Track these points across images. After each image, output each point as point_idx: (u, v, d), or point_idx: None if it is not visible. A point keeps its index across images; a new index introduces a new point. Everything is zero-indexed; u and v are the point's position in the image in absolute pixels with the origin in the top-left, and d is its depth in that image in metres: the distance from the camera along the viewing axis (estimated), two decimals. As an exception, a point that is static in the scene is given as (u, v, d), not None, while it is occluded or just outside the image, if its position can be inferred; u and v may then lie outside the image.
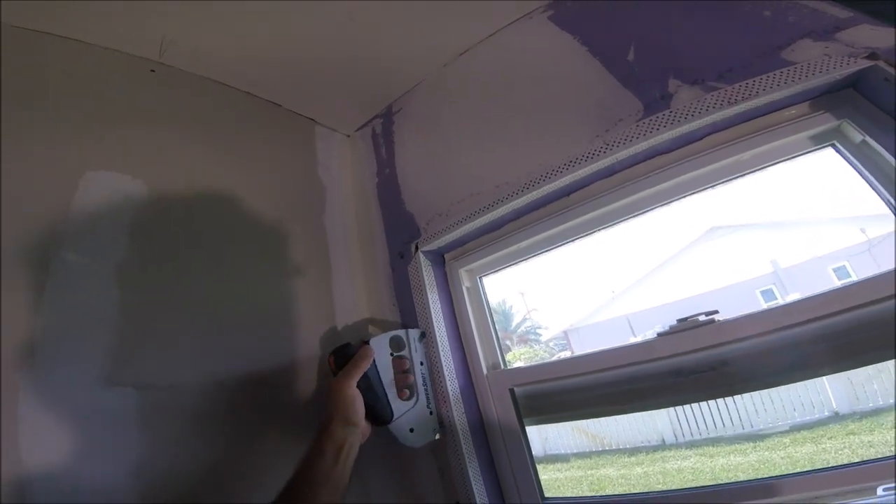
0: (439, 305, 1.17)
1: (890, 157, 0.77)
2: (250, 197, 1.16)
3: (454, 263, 1.24)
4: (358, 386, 0.91)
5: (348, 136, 1.53)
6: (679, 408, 6.07)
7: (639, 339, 0.98)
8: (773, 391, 5.57)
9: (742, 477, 4.98)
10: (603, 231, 1.09)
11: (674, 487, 5.23)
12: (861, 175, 0.84)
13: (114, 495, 0.74)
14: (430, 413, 1.04)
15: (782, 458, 5.19)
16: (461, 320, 1.19)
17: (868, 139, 0.80)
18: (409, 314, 1.18)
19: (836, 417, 5.68)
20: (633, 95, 0.98)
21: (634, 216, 1.04)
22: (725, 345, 0.87)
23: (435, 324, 1.13)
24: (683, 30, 0.97)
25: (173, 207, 1.01)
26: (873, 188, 0.82)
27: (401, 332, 1.08)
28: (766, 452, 5.50)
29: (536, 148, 1.09)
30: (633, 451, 6.95)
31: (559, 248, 1.15)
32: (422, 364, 1.08)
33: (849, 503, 0.75)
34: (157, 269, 0.94)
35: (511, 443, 1.06)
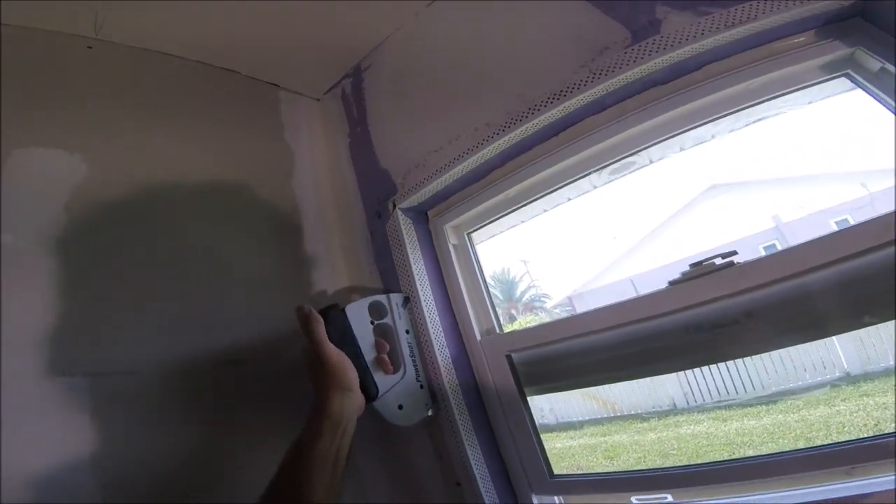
0: (423, 266, 1.08)
1: None
2: (206, 167, 1.08)
3: (438, 220, 1.15)
4: None
5: (318, 99, 1.43)
6: (688, 371, 6.05)
7: (648, 291, 0.88)
8: (784, 352, 5.52)
9: (756, 441, 4.96)
10: (595, 173, 0.99)
11: (688, 453, 5.25)
12: (883, 104, 0.75)
13: (76, 490, 0.70)
14: (421, 386, 0.95)
15: (797, 420, 5.16)
16: (449, 281, 1.10)
17: (887, 66, 0.71)
18: (392, 278, 1.10)
19: (848, 378, 5.66)
20: (618, 24, 0.88)
21: (627, 156, 0.95)
22: (748, 292, 0.76)
23: (419, 286, 1.04)
24: None
25: (119, 182, 0.94)
26: None
27: (381, 298, 0.98)
28: (780, 416, 5.48)
29: (517, 84, 0.97)
30: (645, 416, 6.97)
31: (552, 193, 1.05)
32: (407, 332, 0.99)
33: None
34: (104, 248, 0.87)
35: (512, 415, 0.98)
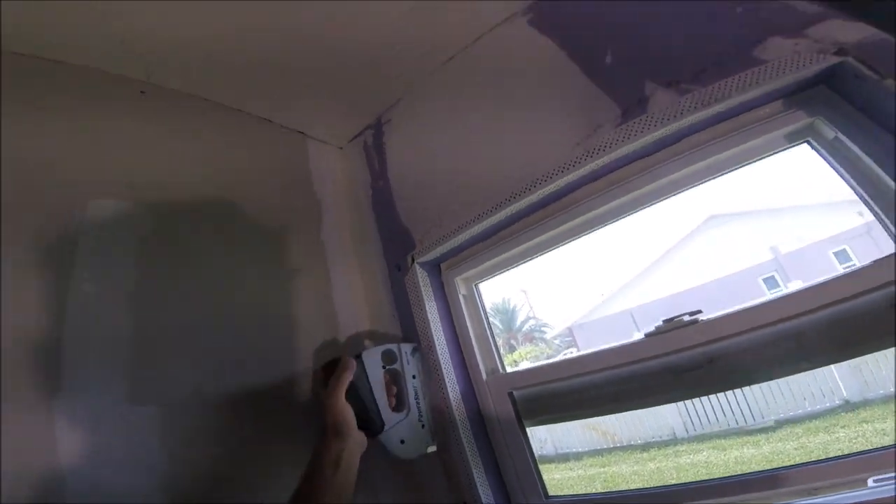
0: (437, 315, 1.21)
1: (861, 153, 0.79)
2: (250, 215, 1.19)
3: (450, 272, 1.28)
4: (348, 397, 0.94)
5: (341, 147, 1.55)
6: (687, 401, 6.05)
7: (628, 340, 1.03)
8: (782, 381, 5.55)
9: (755, 468, 4.95)
10: (592, 233, 1.12)
11: (686, 482, 5.25)
12: (835, 170, 0.85)
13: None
14: (423, 426, 1.06)
15: (796, 448, 5.16)
16: (459, 328, 1.22)
17: (840, 136, 0.81)
18: (409, 324, 1.21)
19: (848, 406, 5.64)
20: (611, 100, 1.00)
21: (621, 218, 1.07)
22: (712, 343, 0.90)
23: (433, 333, 1.16)
24: (658, 31, 0.98)
25: (174, 230, 1.05)
26: (847, 183, 0.84)
27: (393, 347, 1.10)
28: (780, 443, 5.48)
29: (522, 156, 1.11)
30: (645, 446, 6.93)
31: (553, 251, 1.18)
32: (414, 378, 1.10)
33: (841, 495, 0.75)
34: (163, 293, 0.98)
35: (513, 444, 1.09)
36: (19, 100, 0.93)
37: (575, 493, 5.77)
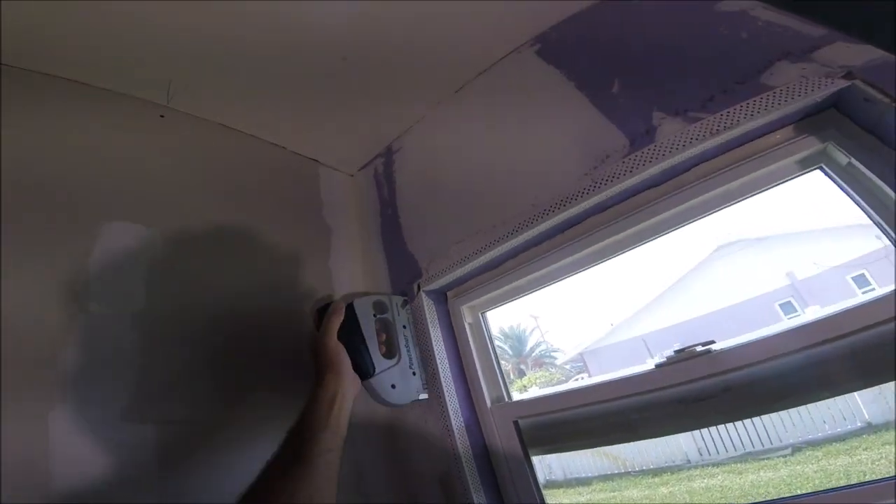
0: (442, 343, 1.20)
1: (875, 178, 0.77)
2: (260, 241, 1.20)
3: (456, 301, 1.27)
4: (341, 341, 0.94)
5: (351, 175, 1.57)
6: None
7: (638, 369, 1.01)
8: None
9: (772, 493, 4.84)
10: (602, 263, 1.11)
11: (701, 505, 5.10)
12: (849, 197, 0.83)
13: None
14: (413, 374, 1.07)
15: (815, 471, 5.02)
16: (464, 356, 1.21)
17: (853, 161, 0.80)
18: None
19: (870, 428, 5.51)
20: (618, 131, 1.00)
21: (628, 250, 1.06)
22: (725, 373, 0.87)
23: (438, 361, 1.15)
24: (664, 60, 0.98)
25: (185, 254, 1.06)
26: (862, 209, 0.81)
27: (384, 297, 1.12)
28: (798, 466, 5.33)
29: (529, 186, 1.11)
30: (657, 471, 6.79)
31: (561, 282, 1.16)
32: (405, 327, 1.12)
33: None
34: (170, 315, 0.98)
35: (517, 474, 1.07)
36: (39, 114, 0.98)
37: None
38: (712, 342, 0.91)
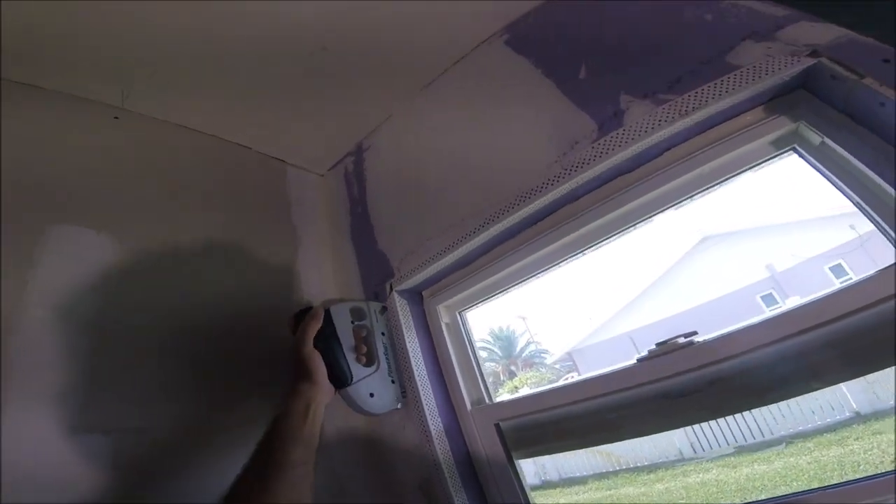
0: (417, 344, 1.16)
1: (849, 157, 0.75)
2: (223, 243, 1.16)
3: (431, 300, 1.23)
4: (318, 348, 0.91)
5: (322, 175, 1.54)
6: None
7: (619, 366, 0.98)
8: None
9: (768, 486, 4.85)
10: (580, 255, 1.07)
11: (697, 501, 5.11)
12: (825, 177, 0.81)
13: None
14: (392, 381, 1.06)
15: (809, 462, 5.06)
16: (442, 357, 1.18)
17: (827, 140, 0.78)
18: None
19: (859, 418, 5.57)
20: (587, 116, 0.99)
21: (604, 240, 1.03)
22: (710, 365, 0.84)
23: (413, 361, 1.11)
24: (629, 43, 0.98)
25: (141, 260, 1.02)
26: (838, 189, 0.80)
27: (362, 304, 1.10)
28: (792, 458, 5.37)
29: (499, 177, 1.09)
30: (652, 467, 6.81)
31: (538, 276, 1.13)
32: (383, 334, 1.10)
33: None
34: (123, 320, 0.94)
35: (501, 478, 1.03)
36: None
37: None
38: (694, 333, 0.88)
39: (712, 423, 6.45)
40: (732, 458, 6.08)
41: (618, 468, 7.17)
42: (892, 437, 4.72)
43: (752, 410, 5.88)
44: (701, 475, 5.92)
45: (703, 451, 6.62)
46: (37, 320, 0.84)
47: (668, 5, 0.94)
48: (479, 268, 1.16)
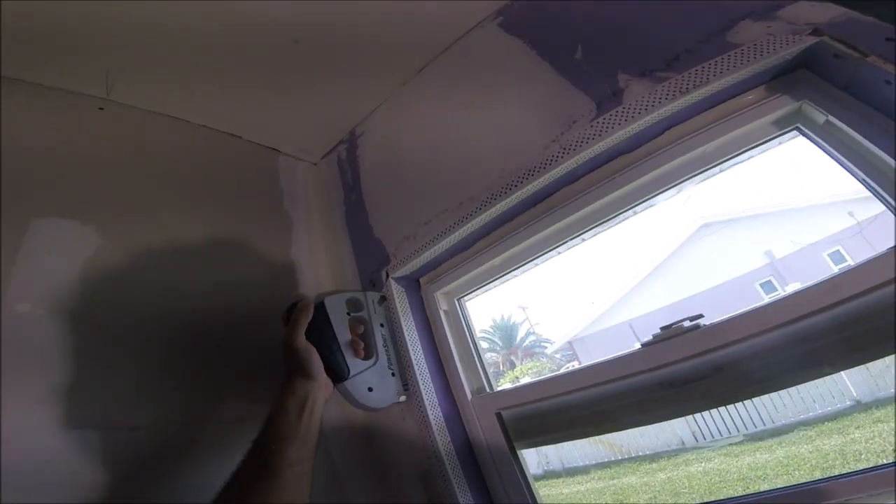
0: (415, 331, 1.13)
1: (856, 135, 0.73)
2: (209, 235, 1.13)
3: (429, 287, 1.20)
4: (311, 342, 0.88)
5: (315, 164, 1.51)
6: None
7: (623, 352, 0.95)
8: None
9: (770, 475, 4.86)
10: (578, 238, 1.05)
11: (700, 491, 5.12)
12: (830, 156, 0.79)
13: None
14: (393, 374, 1.02)
15: (810, 451, 5.07)
16: (440, 345, 1.15)
17: (831, 119, 0.76)
18: None
19: (859, 406, 5.59)
20: (584, 95, 0.97)
21: (604, 222, 1.00)
22: (717, 350, 0.81)
23: (411, 350, 1.08)
24: (625, 22, 0.96)
25: (125, 251, 0.98)
26: (846, 169, 0.78)
27: (359, 294, 1.06)
28: (793, 447, 5.40)
29: (496, 159, 1.07)
30: (654, 456, 6.84)
31: (537, 261, 1.10)
32: (382, 326, 1.07)
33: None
34: (111, 314, 0.91)
35: (504, 468, 1.01)
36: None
37: None
38: (700, 316, 0.85)
39: (713, 411, 6.47)
40: (734, 448, 6.10)
41: (620, 458, 7.20)
42: (893, 426, 4.74)
43: (754, 399, 5.92)
44: (703, 465, 5.95)
45: (705, 439, 6.63)
46: (21, 316, 0.82)
47: (664, -16, 0.91)
48: (478, 252, 1.14)
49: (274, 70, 1.18)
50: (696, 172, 0.91)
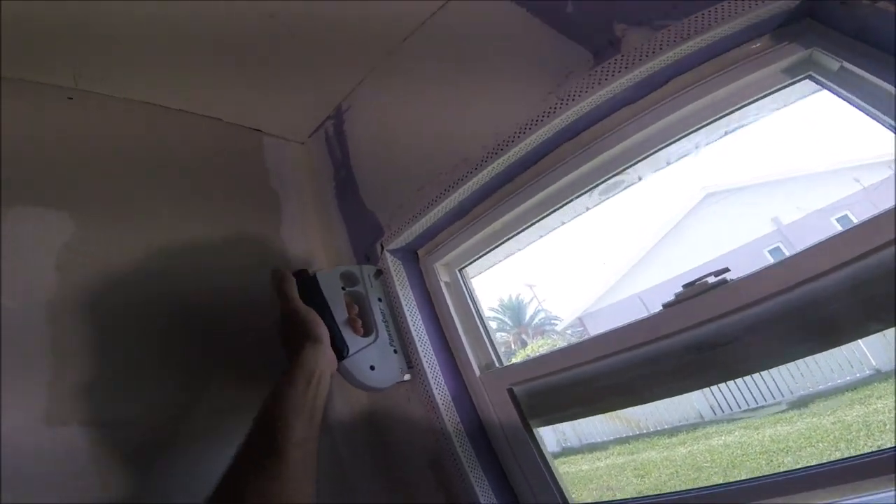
0: (415, 305, 1.08)
1: (875, 79, 0.69)
2: (193, 219, 1.09)
3: (428, 258, 1.15)
4: None
5: (302, 143, 1.46)
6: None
7: (643, 315, 0.88)
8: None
9: (793, 447, 4.81)
10: (579, 199, 1.01)
11: (722, 464, 5.09)
12: (849, 102, 0.74)
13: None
14: (395, 351, 0.98)
15: (833, 423, 5.02)
16: (443, 319, 1.10)
17: (846, 65, 0.72)
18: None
19: (879, 375, 5.53)
20: (580, 46, 0.92)
21: (613, 175, 0.95)
22: (745, 308, 0.74)
23: (412, 325, 1.03)
24: None
25: (104, 238, 0.94)
26: (868, 114, 0.72)
27: (353, 268, 1.02)
28: (814, 419, 5.36)
29: (489, 117, 1.02)
30: (673, 431, 6.82)
31: (538, 224, 1.06)
32: (380, 300, 1.02)
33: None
34: (91, 303, 0.87)
35: (519, 448, 0.96)
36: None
37: (609, 486, 5.67)
38: (727, 270, 0.77)
39: (731, 384, 6.42)
40: (754, 420, 6.05)
41: (638, 433, 7.19)
42: None
43: (770, 370, 5.85)
44: (724, 437, 5.93)
45: (724, 412, 6.60)
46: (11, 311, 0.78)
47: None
48: (476, 217, 1.09)
49: (252, 50, 1.12)
50: (706, 122, 0.86)
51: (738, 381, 6.39)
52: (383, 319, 0.98)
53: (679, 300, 0.79)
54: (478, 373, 1.03)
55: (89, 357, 0.82)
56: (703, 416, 6.81)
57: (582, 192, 0.98)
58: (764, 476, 0.76)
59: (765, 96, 0.82)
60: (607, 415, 7.21)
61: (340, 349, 0.85)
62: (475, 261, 1.13)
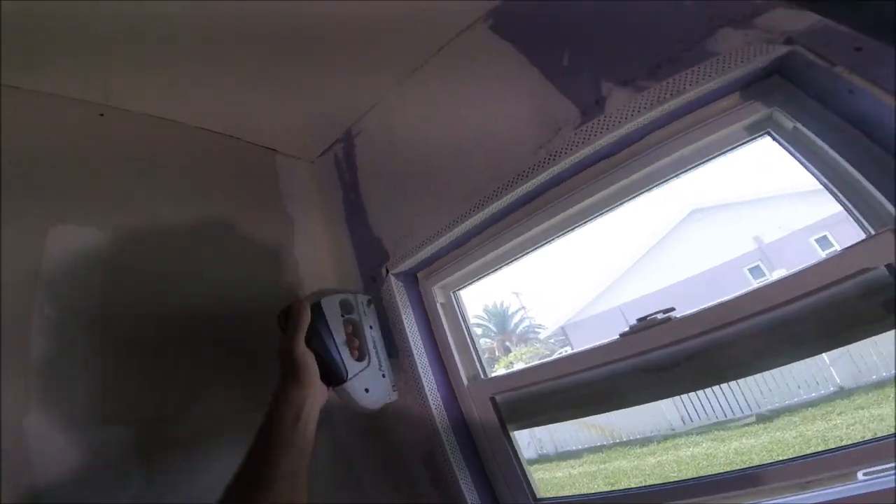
0: (415, 324, 1.21)
1: (820, 143, 0.79)
2: (212, 237, 1.16)
3: (426, 281, 1.28)
4: (311, 346, 0.87)
5: (312, 162, 1.55)
6: (683, 395, 6.07)
7: (605, 341, 1.04)
8: (775, 370, 5.57)
9: (756, 460, 4.95)
10: (567, 234, 1.13)
11: (689, 475, 5.23)
12: (798, 161, 0.86)
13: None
14: (383, 376, 1.01)
15: (794, 437, 5.16)
16: (438, 335, 1.23)
17: (799, 126, 0.82)
18: (385, 333, 1.18)
19: (842, 392, 5.65)
20: (570, 102, 1.02)
21: (591, 219, 1.08)
22: (687, 340, 0.90)
23: (411, 340, 1.17)
24: (610, 30, 1.00)
25: (140, 253, 1.02)
26: (810, 172, 0.84)
27: (349, 296, 1.05)
28: (778, 433, 5.48)
29: (488, 162, 1.13)
30: (645, 441, 6.93)
31: (529, 254, 1.18)
32: (371, 328, 1.05)
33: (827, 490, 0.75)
34: (131, 311, 0.96)
35: (498, 449, 1.10)
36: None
37: (569, 493, 5.75)
38: (672, 309, 0.94)
39: (701, 395, 6.57)
40: (722, 433, 6.19)
41: (612, 442, 7.30)
42: (874, 413, 4.79)
43: (740, 384, 6.02)
44: (692, 449, 6.03)
45: (693, 422, 6.71)
46: (52, 320, 0.86)
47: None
48: (472, 248, 1.21)
49: (270, 70, 1.19)
50: (674, 175, 0.98)
51: (710, 394, 6.54)
52: (373, 346, 1.02)
53: (632, 331, 0.96)
54: (465, 382, 1.17)
55: (105, 362, 0.89)
56: (673, 428, 6.93)
57: (565, 230, 1.12)
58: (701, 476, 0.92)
59: (726, 152, 0.93)
60: (583, 424, 7.31)
61: (342, 374, 0.90)
62: (470, 284, 1.26)
